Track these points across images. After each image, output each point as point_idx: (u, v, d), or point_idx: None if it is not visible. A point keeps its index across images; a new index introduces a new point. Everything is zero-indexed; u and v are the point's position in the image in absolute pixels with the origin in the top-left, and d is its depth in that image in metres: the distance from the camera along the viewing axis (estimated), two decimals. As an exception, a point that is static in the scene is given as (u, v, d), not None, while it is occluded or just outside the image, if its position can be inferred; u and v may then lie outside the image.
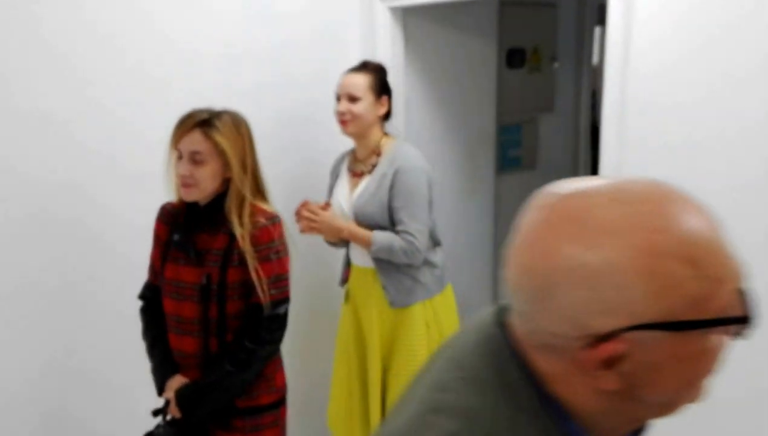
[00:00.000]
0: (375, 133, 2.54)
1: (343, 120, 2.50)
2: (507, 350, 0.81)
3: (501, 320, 0.85)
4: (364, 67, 2.55)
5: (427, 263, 2.56)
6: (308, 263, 2.70)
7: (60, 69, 2.27)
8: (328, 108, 2.64)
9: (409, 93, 3.07)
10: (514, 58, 3.64)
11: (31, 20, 2.20)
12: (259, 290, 1.99)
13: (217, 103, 2.11)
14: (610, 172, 2.26)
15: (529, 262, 0.76)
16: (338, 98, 2.52)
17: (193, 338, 2.03)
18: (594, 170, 3.73)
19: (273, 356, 2.12)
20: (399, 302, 2.55)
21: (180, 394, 2.03)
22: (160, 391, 2.09)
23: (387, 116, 2.58)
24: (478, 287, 3.63)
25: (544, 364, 0.78)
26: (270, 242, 2.02)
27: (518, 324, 0.81)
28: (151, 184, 2.18)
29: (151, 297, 2.14)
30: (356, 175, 2.60)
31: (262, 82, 2.74)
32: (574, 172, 4.05)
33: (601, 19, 3.80)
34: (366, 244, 2.48)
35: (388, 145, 2.54)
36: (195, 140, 1.95)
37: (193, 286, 2.00)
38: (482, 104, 3.44)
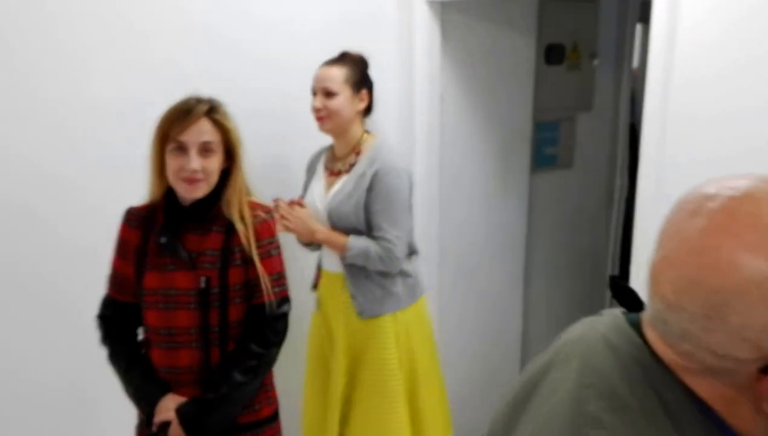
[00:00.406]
0: (355, 130, 2.42)
1: (319, 117, 2.37)
2: (662, 375, 0.74)
3: (639, 340, 0.78)
4: (341, 59, 2.42)
5: (401, 272, 2.44)
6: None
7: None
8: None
9: (445, 88, 3.04)
10: (552, 54, 3.57)
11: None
12: (264, 288, 1.88)
13: (252, 96, 2.11)
14: (648, 182, 2.21)
15: (697, 275, 0.68)
16: (314, 93, 2.39)
17: (189, 351, 1.85)
18: (632, 172, 3.66)
19: (276, 360, 1.99)
20: (368, 312, 2.42)
21: (184, 413, 1.83)
22: (149, 416, 1.86)
23: (368, 111, 2.47)
24: (510, 285, 3.60)
25: (704, 388, 0.72)
26: (271, 237, 1.95)
27: (670, 344, 0.74)
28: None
29: (113, 316, 1.92)
30: (333, 173, 2.47)
31: (294, 70, 2.70)
32: (611, 173, 3.98)
33: (643, 16, 3.72)
34: (341, 248, 2.36)
35: (368, 144, 2.42)
36: (205, 130, 1.81)
37: (189, 292, 1.83)
38: (519, 101, 3.40)
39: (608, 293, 4.08)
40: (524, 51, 3.34)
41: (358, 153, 2.42)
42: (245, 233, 1.87)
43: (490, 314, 3.54)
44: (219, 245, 1.85)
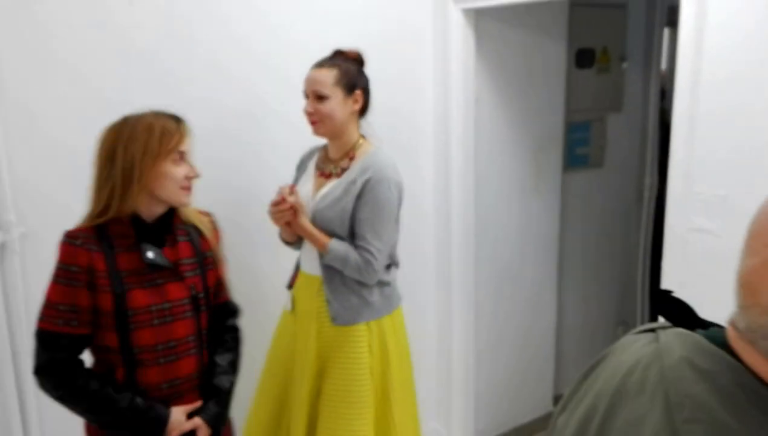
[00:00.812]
0: (350, 134, 2.34)
1: (312, 121, 2.29)
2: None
3: (734, 361, 0.70)
4: (333, 59, 2.31)
5: (379, 281, 2.37)
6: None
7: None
8: (402, 109, 2.71)
9: (479, 91, 3.17)
10: (583, 58, 3.68)
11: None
12: (226, 286, 2.04)
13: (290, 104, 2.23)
14: (678, 180, 2.30)
15: None
16: (306, 96, 2.31)
17: (189, 359, 1.86)
18: (662, 171, 3.75)
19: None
20: (342, 320, 2.34)
21: (210, 416, 1.90)
22: (161, 431, 1.82)
23: (363, 112, 2.37)
24: (543, 283, 3.70)
25: None
26: (220, 239, 2.05)
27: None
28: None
29: (68, 356, 1.76)
30: (324, 175, 2.39)
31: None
32: (641, 172, 4.07)
33: (670, 20, 3.81)
34: (321, 247, 2.28)
35: (362, 150, 2.34)
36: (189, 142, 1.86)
37: (183, 301, 1.85)
38: (551, 103, 3.51)
39: (640, 292, 4.16)
40: (555, 55, 3.45)
41: (351, 158, 2.33)
42: (211, 236, 1.97)
43: (525, 310, 3.64)
44: (191, 252, 1.89)
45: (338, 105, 2.26)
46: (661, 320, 0.89)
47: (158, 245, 1.83)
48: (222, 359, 1.97)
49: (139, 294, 1.77)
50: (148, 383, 1.81)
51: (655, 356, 0.76)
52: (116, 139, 1.76)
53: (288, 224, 2.30)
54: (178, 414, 1.84)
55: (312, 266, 2.39)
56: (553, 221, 3.67)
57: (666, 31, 4.08)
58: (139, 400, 1.78)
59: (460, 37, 3.04)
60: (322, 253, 2.29)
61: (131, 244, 1.79)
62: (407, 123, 3.17)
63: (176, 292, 1.83)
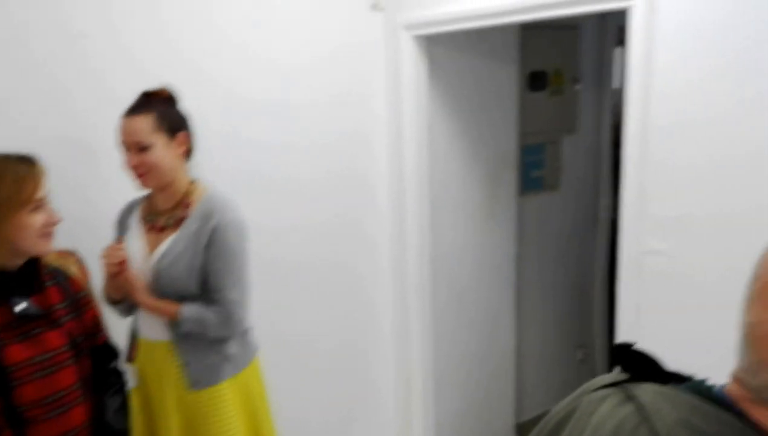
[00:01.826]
0: (181, 180, 2.11)
1: (139, 174, 2.04)
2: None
3: (739, 422, 0.66)
4: (146, 104, 2.05)
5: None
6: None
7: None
8: (355, 137, 2.66)
9: (433, 118, 3.15)
10: (536, 80, 3.69)
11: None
12: (102, 325, 1.92)
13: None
14: (631, 202, 2.29)
15: None
16: (125, 148, 2.04)
17: (79, 407, 1.74)
18: (615, 191, 3.76)
19: None
20: (204, 383, 2.10)
21: None
22: None
23: (188, 154, 2.13)
24: (500, 308, 3.67)
25: None
26: (89, 277, 1.97)
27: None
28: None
29: None
30: (156, 229, 2.13)
31: (285, 104, 2.82)
32: (596, 193, 4.08)
33: (621, 39, 3.84)
34: (171, 317, 2.06)
35: (197, 195, 2.12)
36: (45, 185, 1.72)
37: (63, 348, 1.72)
38: (505, 127, 3.50)
39: (598, 315, 4.16)
40: (507, 79, 3.45)
41: (187, 205, 2.10)
42: (80, 275, 1.87)
43: (483, 335, 3.60)
44: (61, 296, 1.78)
45: (164, 152, 2.03)
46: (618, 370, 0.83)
47: (26, 294, 1.69)
48: (113, 401, 1.88)
49: (16, 349, 1.63)
50: None
51: (640, 418, 0.69)
52: None
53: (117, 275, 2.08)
54: None
55: (154, 331, 2.14)
56: (510, 245, 3.65)
57: (618, 51, 4.11)
58: None
59: (413, 64, 3.02)
60: (175, 323, 2.07)
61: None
62: (361, 151, 3.13)
63: (54, 340, 1.70)
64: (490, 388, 3.70)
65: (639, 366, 0.78)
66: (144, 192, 2.18)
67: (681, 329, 2.22)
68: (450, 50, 3.16)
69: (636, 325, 2.34)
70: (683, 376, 0.77)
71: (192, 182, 2.14)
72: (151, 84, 2.12)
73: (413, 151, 3.11)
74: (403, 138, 3.12)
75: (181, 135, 2.08)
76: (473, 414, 3.62)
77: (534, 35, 3.57)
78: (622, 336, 2.41)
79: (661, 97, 2.17)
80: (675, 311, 2.24)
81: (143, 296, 2.08)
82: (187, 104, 2.25)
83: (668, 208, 2.20)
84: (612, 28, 3.92)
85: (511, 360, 3.79)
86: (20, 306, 1.65)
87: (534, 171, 3.84)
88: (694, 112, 2.11)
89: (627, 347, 0.81)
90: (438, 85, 3.14)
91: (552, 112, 3.83)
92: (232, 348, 2.15)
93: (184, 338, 2.09)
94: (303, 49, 2.85)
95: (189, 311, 2.05)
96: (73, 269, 1.84)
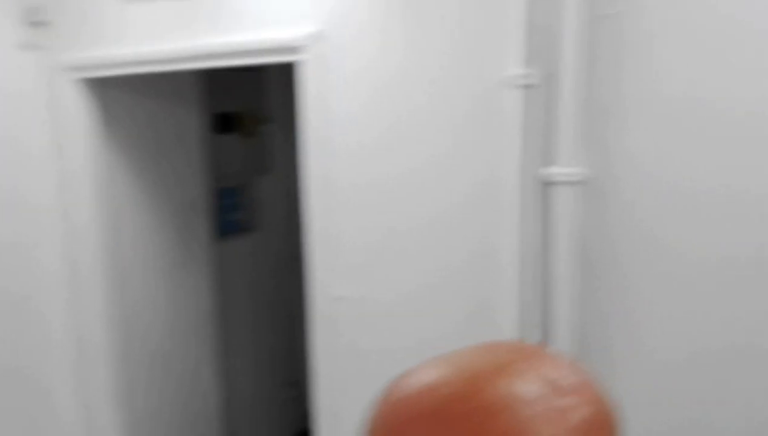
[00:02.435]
0: None
1: None
2: None
3: None
4: None
5: None
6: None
7: None
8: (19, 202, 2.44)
9: (111, 170, 2.91)
10: (225, 123, 3.62)
11: None
12: None
13: None
14: (319, 248, 2.29)
15: None
16: None
17: None
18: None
19: None
20: None
21: None
22: None
23: None
24: (200, 357, 3.51)
25: None
26: None
27: None
28: None
29: None
30: None
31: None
32: (296, 233, 4.10)
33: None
34: None
35: None
36: None
37: None
38: (191, 172, 3.36)
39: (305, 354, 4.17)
40: (192, 122, 3.32)
41: None
42: None
43: (182, 390, 3.41)
44: None
45: None
46: None
47: None
48: None
49: None
50: None
51: None
52: None
53: None
54: None
55: None
56: (206, 292, 3.52)
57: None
58: None
59: (80, 111, 2.76)
60: None
61: None
62: (23, 219, 2.78)
63: None
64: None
65: None
66: None
67: (375, 378, 2.26)
68: (126, 94, 2.95)
69: (333, 366, 2.35)
70: None
71: None
72: None
73: (85, 208, 2.84)
74: (72, 195, 2.84)
75: None
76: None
77: (221, 76, 3.49)
78: (321, 379, 2.40)
79: (341, 150, 2.21)
80: (365, 359, 2.29)
81: None
82: None
83: (354, 254, 2.24)
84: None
85: (213, 409, 3.63)
86: None
87: (232, 214, 3.76)
88: (372, 167, 2.18)
89: None
90: (115, 132, 2.92)
91: (244, 154, 3.79)
92: None
93: None
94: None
95: None
96: None
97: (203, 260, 3.48)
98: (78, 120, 2.77)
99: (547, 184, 1.99)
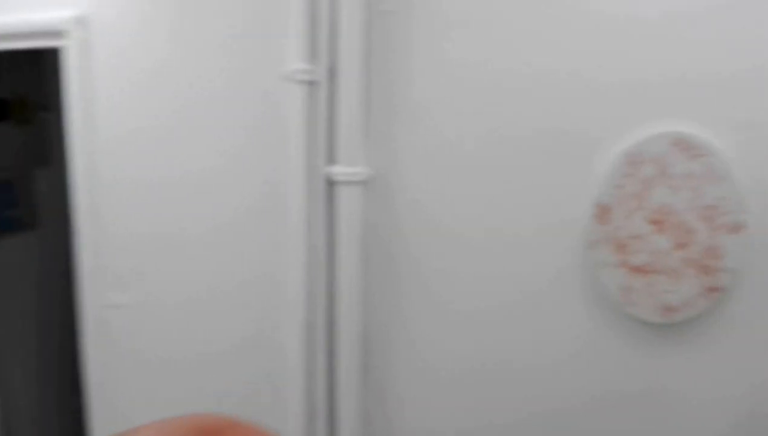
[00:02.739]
0: None
1: None
2: None
3: None
4: None
5: None
6: None
7: None
8: None
9: None
10: (-3, 110, 3.28)
11: None
12: None
13: None
14: (87, 255, 2.12)
15: None
16: None
17: None
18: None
19: None
20: None
21: None
22: None
23: None
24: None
25: None
26: None
27: None
28: None
29: None
30: None
31: None
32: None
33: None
34: None
35: None
36: None
37: None
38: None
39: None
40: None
41: None
42: None
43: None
44: None
45: None
46: None
47: None
48: None
49: None
50: None
51: None
52: None
53: None
54: None
55: None
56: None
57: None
58: None
59: None
60: None
61: None
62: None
63: None
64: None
65: None
66: None
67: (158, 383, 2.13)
68: None
69: (107, 376, 2.19)
70: None
71: None
72: None
73: None
74: None
75: None
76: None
77: (-12, 59, 3.15)
78: (94, 389, 2.23)
79: (105, 150, 2.05)
80: (144, 369, 2.15)
81: None
82: None
83: (124, 259, 2.08)
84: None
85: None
86: None
87: (8, 210, 3.42)
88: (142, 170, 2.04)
89: None
90: None
91: (20, 144, 3.45)
92: None
93: None
94: None
95: None
96: None
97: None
98: None
99: (332, 184, 1.94)
